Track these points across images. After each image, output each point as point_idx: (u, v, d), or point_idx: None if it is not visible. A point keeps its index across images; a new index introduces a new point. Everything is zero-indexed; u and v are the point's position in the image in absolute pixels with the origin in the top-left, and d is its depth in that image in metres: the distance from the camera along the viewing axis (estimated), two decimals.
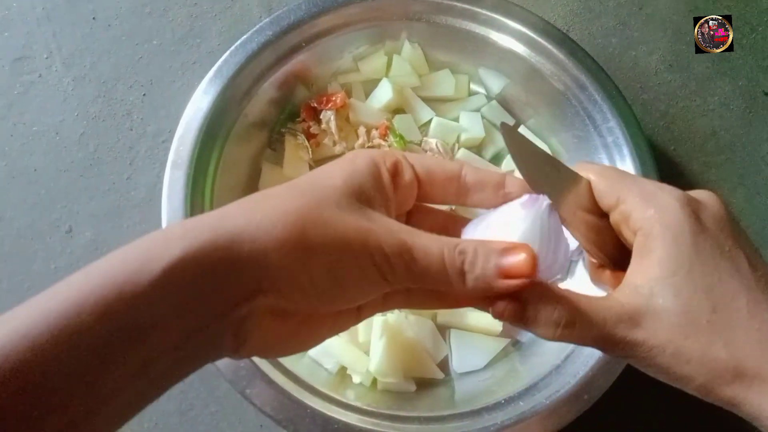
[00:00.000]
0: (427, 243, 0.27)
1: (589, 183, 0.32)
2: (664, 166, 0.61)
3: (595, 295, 0.30)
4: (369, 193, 0.29)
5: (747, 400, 0.28)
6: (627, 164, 0.55)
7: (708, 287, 0.28)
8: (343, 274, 0.26)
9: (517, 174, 0.33)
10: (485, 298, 0.29)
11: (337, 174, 0.29)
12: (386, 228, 0.27)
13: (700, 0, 0.70)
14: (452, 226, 0.34)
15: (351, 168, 0.29)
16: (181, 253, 0.24)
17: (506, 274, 0.27)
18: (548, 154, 0.33)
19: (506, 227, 0.30)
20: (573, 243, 0.32)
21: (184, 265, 0.24)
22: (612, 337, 0.29)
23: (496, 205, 0.32)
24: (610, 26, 0.68)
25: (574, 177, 0.32)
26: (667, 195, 0.30)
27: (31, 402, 0.21)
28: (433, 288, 0.28)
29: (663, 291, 0.29)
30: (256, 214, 0.26)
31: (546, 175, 0.32)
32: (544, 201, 0.30)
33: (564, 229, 0.31)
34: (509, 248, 0.27)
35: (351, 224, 0.27)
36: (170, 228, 0.26)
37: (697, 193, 0.31)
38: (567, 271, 0.55)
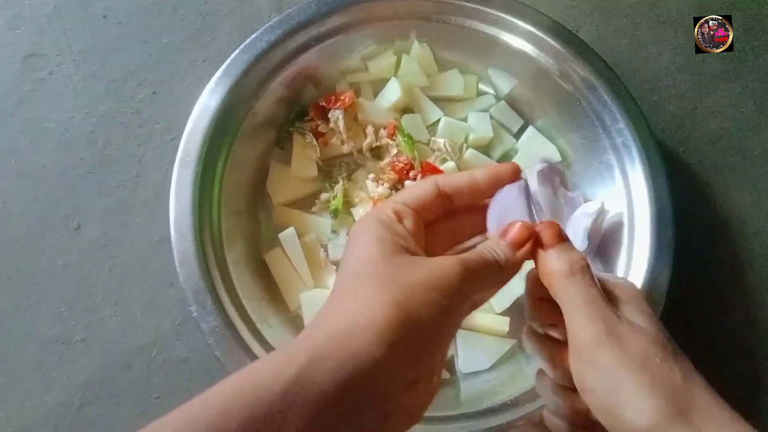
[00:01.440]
0: (467, 254, 0.33)
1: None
2: (674, 167, 0.61)
3: None
4: (402, 244, 0.32)
5: None
6: (636, 165, 0.54)
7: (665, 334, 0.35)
8: (445, 313, 0.30)
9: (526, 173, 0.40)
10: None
11: (366, 246, 0.32)
12: (441, 260, 0.32)
13: (712, 1, 0.69)
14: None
15: (372, 235, 0.33)
16: (308, 358, 0.26)
17: (515, 245, 0.35)
18: None
19: (513, 209, 0.38)
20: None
21: (312, 367, 0.26)
22: (604, 302, 0.34)
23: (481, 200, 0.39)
24: (620, 27, 0.68)
25: None
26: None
27: None
28: (493, 282, 0.35)
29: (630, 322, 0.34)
30: (354, 311, 0.29)
31: None
32: (521, 181, 0.38)
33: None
34: (504, 231, 0.36)
35: (423, 271, 0.31)
36: (289, 344, 0.28)
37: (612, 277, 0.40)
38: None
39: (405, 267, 0.31)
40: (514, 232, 0.35)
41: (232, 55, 0.55)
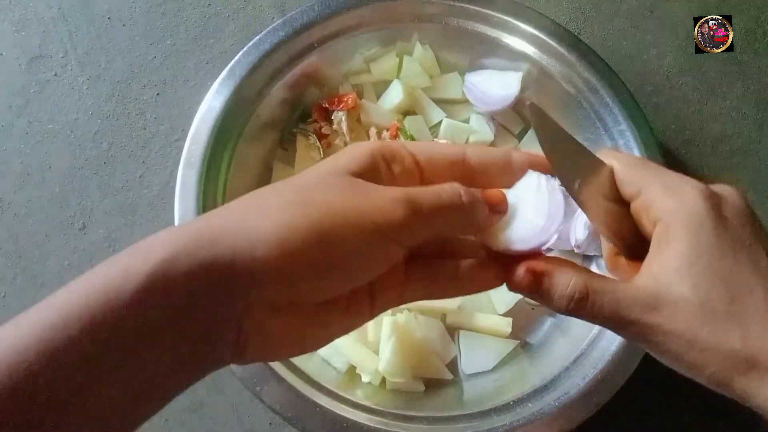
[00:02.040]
0: (421, 190, 0.28)
1: (611, 170, 0.32)
2: (675, 169, 0.60)
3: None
4: (359, 173, 0.28)
5: (759, 393, 0.28)
6: None
7: (727, 279, 0.28)
8: (347, 253, 0.26)
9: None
10: (502, 275, 0.30)
11: (320, 164, 0.29)
12: (380, 190, 0.27)
13: (712, 3, 0.70)
14: None
15: (337, 157, 0.29)
16: (163, 257, 0.23)
17: (489, 201, 0.30)
18: (574, 140, 0.33)
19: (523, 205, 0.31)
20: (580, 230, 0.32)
21: (166, 269, 0.23)
22: (625, 318, 0.29)
23: (505, 186, 0.32)
24: (621, 29, 0.68)
25: (599, 164, 0.33)
26: (690, 187, 0.30)
27: (22, 417, 0.21)
28: (447, 228, 0.29)
29: (682, 281, 0.29)
30: (237, 216, 0.26)
31: (571, 159, 0.32)
32: (542, 177, 0.31)
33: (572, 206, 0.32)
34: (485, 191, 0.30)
35: (341, 197, 0.26)
36: (154, 236, 0.25)
37: (720, 187, 0.32)
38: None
39: (328, 187, 0.27)
40: (495, 192, 0.31)
41: (236, 57, 0.55)
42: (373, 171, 0.29)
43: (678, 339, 0.28)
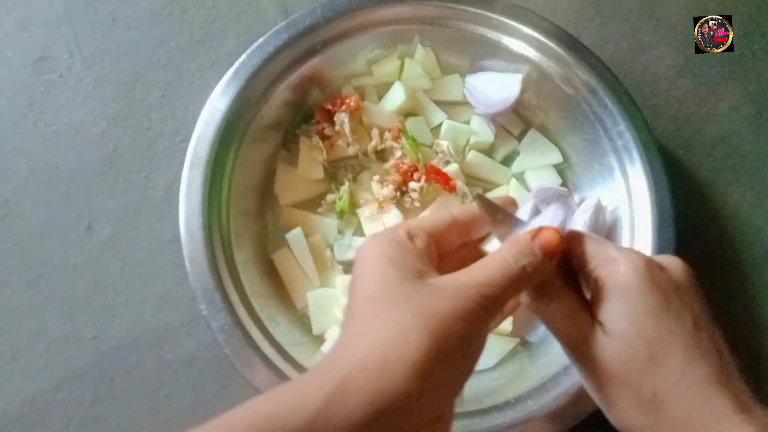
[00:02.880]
0: (486, 264, 0.32)
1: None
2: (674, 170, 0.61)
3: None
4: (416, 266, 0.31)
5: None
6: (637, 168, 0.55)
7: (648, 339, 0.32)
8: (472, 338, 0.30)
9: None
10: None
11: (384, 268, 0.31)
12: (456, 280, 0.31)
13: (711, 4, 0.70)
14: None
15: (387, 257, 0.31)
16: (336, 385, 0.26)
17: (546, 252, 0.33)
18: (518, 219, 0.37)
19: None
20: None
21: (341, 395, 0.26)
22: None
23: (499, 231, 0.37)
24: (620, 31, 0.69)
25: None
26: (625, 259, 0.33)
27: None
28: (515, 291, 0.32)
29: (609, 330, 0.33)
30: (385, 340, 0.28)
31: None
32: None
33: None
34: (536, 233, 0.33)
35: (446, 296, 0.30)
36: (317, 367, 0.28)
37: (664, 258, 0.36)
38: None
39: (429, 294, 0.30)
40: (547, 235, 0.33)
41: (240, 59, 0.56)
42: (412, 253, 0.32)
43: (600, 373, 0.33)
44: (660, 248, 0.53)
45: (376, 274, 0.31)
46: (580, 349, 0.34)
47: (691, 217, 0.63)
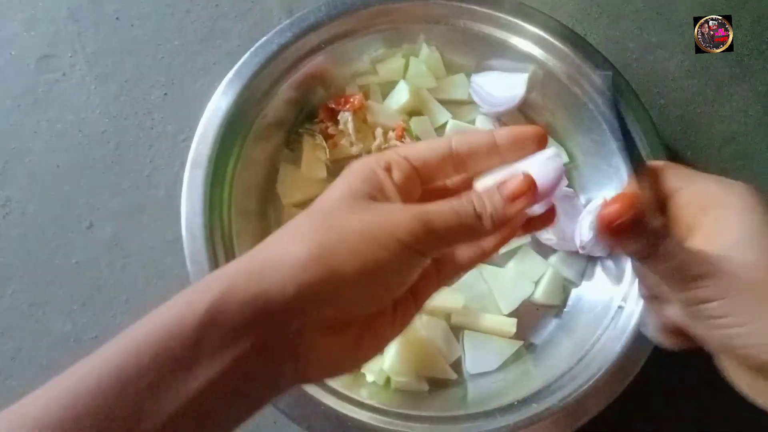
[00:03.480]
0: (438, 206, 0.30)
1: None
2: None
3: None
4: (371, 193, 0.30)
5: None
6: None
7: None
8: (376, 265, 0.28)
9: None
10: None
11: (336, 188, 0.31)
12: (397, 210, 0.29)
13: (718, 4, 0.69)
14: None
15: (347, 179, 0.31)
16: (220, 290, 0.26)
17: (512, 197, 0.30)
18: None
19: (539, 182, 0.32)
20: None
21: (222, 302, 0.26)
22: (692, 270, 0.29)
23: (495, 166, 0.34)
24: (628, 31, 0.68)
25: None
26: (734, 182, 0.32)
27: (104, 418, 0.24)
28: (463, 242, 0.31)
29: (744, 251, 0.30)
30: (277, 248, 0.28)
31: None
32: (549, 151, 0.32)
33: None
34: (505, 180, 0.31)
35: (366, 219, 0.29)
36: (210, 275, 0.28)
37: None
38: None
39: (351, 212, 0.29)
40: (515, 182, 0.30)
41: (243, 58, 0.55)
42: (379, 183, 0.31)
43: (746, 297, 0.29)
44: None
45: (328, 192, 0.31)
46: (716, 275, 0.29)
47: None
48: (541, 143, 0.33)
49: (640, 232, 0.30)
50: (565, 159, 0.62)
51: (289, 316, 0.27)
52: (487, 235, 0.31)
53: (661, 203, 0.33)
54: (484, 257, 0.35)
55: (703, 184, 0.33)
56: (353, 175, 0.31)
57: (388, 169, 0.31)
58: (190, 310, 0.26)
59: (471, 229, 0.30)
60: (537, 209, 0.33)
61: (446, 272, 0.34)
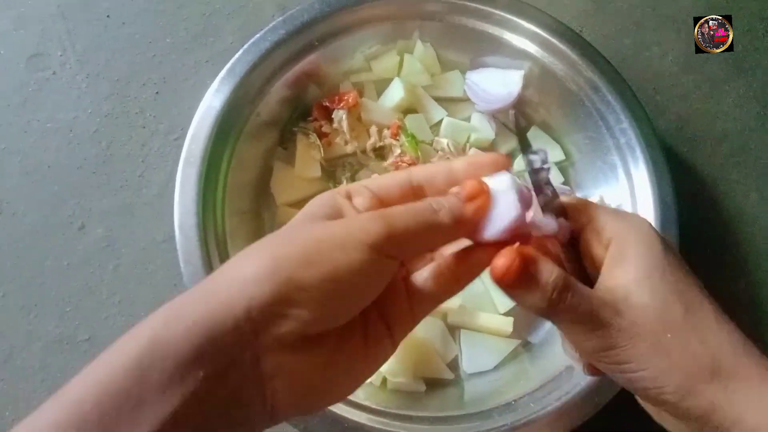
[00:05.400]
0: (394, 209, 0.28)
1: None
2: (677, 167, 0.61)
3: None
4: (330, 214, 0.29)
5: (724, 403, 0.29)
6: (640, 165, 0.55)
7: (679, 291, 0.31)
8: (336, 268, 0.25)
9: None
10: (491, 255, 0.30)
11: (301, 213, 0.29)
12: (355, 216, 0.28)
13: (715, 1, 0.69)
14: None
15: (314, 205, 0.30)
16: (163, 319, 0.24)
17: (467, 197, 0.30)
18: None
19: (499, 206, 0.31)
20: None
21: (166, 329, 0.23)
22: (598, 315, 0.30)
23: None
24: (623, 27, 0.68)
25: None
26: (637, 215, 0.33)
27: None
28: (427, 241, 0.29)
29: (641, 290, 0.30)
30: (226, 269, 0.26)
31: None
32: (508, 176, 0.31)
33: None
34: (461, 186, 0.30)
35: (324, 229, 0.27)
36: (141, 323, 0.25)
37: (628, 213, 0.35)
38: None
39: (308, 228, 0.27)
40: (469, 184, 0.30)
41: (236, 55, 0.55)
42: (339, 206, 0.30)
43: (643, 343, 0.30)
44: None
45: (288, 226, 0.29)
46: (618, 317, 0.30)
47: (694, 216, 0.62)
48: (498, 168, 0.32)
49: (532, 287, 0.30)
50: (561, 156, 0.62)
51: (242, 339, 0.24)
52: (449, 234, 0.30)
53: (575, 241, 0.34)
54: (456, 285, 0.32)
55: (603, 220, 0.33)
56: (313, 203, 0.30)
57: (349, 198, 0.31)
58: (130, 343, 0.23)
59: (430, 223, 0.28)
60: (498, 234, 0.31)
61: (420, 302, 0.31)
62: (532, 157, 0.34)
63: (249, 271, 0.25)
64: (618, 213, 0.33)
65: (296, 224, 0.29)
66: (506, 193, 0.30)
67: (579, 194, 0.60)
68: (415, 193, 0.32)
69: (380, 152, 0.61)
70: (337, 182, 0.59)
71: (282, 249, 0.26)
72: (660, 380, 0.30)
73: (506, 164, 0.32)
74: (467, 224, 0.30)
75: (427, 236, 0.29)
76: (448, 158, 0.60)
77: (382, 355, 0.30)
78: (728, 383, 0.29)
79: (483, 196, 0.30)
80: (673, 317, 0.30)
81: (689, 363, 0.29)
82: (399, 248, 0.28)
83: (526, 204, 0.31)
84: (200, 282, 0.26)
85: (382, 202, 0.31)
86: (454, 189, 0.31)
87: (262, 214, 0.59)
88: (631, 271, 0.31)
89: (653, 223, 0.52)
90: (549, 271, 0.30)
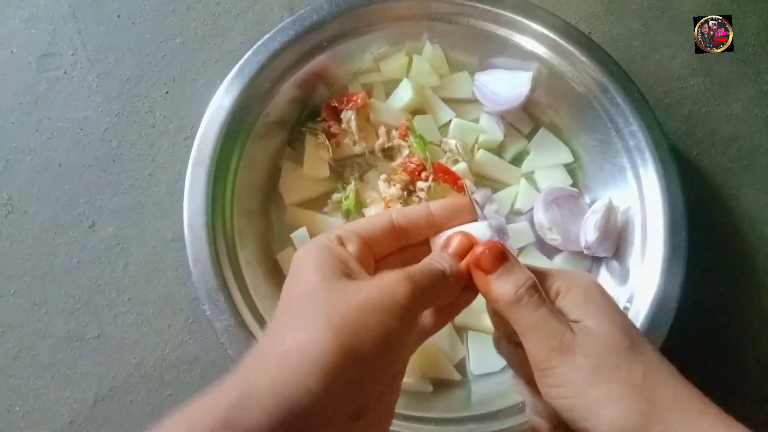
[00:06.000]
0: (413, 267, 0.32)
1: None
2: (686, 170, 0.60)
3: None
4: (343, 270, 0.31)
5: None
6: (649, 168, 0.54)
7: (622, 328, 0.33)
8: (388, 335, 0.28)
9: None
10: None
11: (306, 276, 0.31)
12: (385, 278, 0.30)
13: (724, 3, 0.69)
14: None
15: (311, 263, 0.31)
16: (237, 396, 0.25)
17: (456, 255, 0.35)
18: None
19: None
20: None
21: (240, 409, 0.25)
22: (554, 322, 0.33)
23: (433, 234, 0.38)
24: (632, 29, 0.68)
25: None
26: (581, 272, 0.38)
27: None
28: (440, 296, 0.34)
29: (591, 319, 0.33)
30: (289, 338, 0.28)
31: None
32: (482, 223, 0.37)
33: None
34: (446, 243, 0.36)
35: (363, 292, 0.29)
36: (221, 384, 0.27)
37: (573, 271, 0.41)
38: None
39: (343, 291, 0.29)
40: (456, 241, 0.35)
41: (245, 56, 0.55)
42: (343, 259, 0.32)
43: (584, 369, 0.31)
44: (672, 249, 0.52)
45: (300, 277, 0.31)
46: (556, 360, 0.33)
47: (703, 219, 0.62)
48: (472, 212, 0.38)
49: (507, 270, 0.34)
50: (570, 158, 0.61)
51: (317, 415, 0.25)
52: (452, 290, 0.34)
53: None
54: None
55: (557, 274, 0.36)
56: (314, 258, 0.31)
57: (342, 244, 0.33)
58: (205, 418, 0.24)
59: (444, 281, 0.33)
60: None
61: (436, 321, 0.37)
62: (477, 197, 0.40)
63: (317, 340, 0.26)
64: (567, 270, 0.38)
65: (323, 284, 0.30)
66: (486, 237, 0.36)
67: (588, 197, 0.60)
68: (397, 234, 0.36)
69: (388, 153, 0.61)
70: (345, 182, 0.59)
71: (338, 318, 0.27)
72: (592, 411, 0.31)
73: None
74: (464, 278, 0.35)
75: (442, 291, 0.33)
76: (456, 159, 0.60)
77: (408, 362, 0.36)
78: (666, 425, 0.30)
79: (471, 253, 0.35)
80: (619, 348, 0.32)
81: (626, 396, 0.30)
82: (425, 306, 0.32)
83: (502, 235, 0.37)
84: (259, 349, 0.28)
85: (368, 245, 0.34)
86: (442, 241, 0.36)
87: (270, 214, 0.59)
88: (577, 315, 0.34)
89: (663, 226, 0.53)
90: (522, 268, 0.34)
